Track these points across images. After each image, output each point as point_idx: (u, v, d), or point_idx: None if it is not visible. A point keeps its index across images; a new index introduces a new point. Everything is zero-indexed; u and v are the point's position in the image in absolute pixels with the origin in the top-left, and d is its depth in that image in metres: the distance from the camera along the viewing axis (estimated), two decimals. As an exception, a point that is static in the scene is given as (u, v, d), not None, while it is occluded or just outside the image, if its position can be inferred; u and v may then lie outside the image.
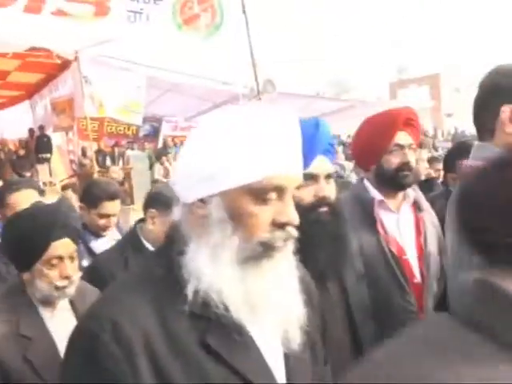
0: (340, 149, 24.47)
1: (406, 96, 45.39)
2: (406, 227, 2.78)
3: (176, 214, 1.33)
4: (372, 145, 2.68)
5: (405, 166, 2.71)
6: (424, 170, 7.16)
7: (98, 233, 3.83)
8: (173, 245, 1.29)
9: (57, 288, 2.21)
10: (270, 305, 1.23)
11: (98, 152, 18.09)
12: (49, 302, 2.28)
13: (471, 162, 2.13)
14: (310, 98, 23.90)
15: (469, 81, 41.36)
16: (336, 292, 2.32)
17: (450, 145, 18.38)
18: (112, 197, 3.78)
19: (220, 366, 1.18)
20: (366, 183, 2.77)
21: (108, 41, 11.97)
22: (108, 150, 19.71)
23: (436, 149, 22.98)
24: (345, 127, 28.07)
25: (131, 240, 3.27)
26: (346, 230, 2.21)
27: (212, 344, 1.19)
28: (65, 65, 13.95)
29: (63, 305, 2.32)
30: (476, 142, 2.15)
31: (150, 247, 3.14)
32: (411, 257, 2.72)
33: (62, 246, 2.23)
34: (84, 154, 17.27)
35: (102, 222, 3.80)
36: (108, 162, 18.57)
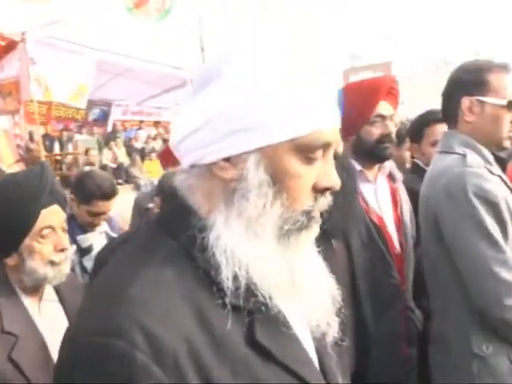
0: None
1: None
2: (384, 198, 2.75)
3: (178, 179, 1.05)
4: (352, 114, 2.46)
5: (386, 137, 2.65)
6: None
7: (85, 228, 3.45)
8: (183, 219, 1.00)
9: (52, 264, 1.91)
10: (311, 288, 1.03)
11: (46, 136, 17.73)
12: (36, 291, 1.97)
13: (440, 149, 2.34)
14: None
15: (419, 70, 42.12)
16: (343, 254, 2.23)
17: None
18: (106, 196, 3.36)
19: (272, 366, 0.96)
20: None
21: (56, 22, 11.76)
22: (56, 134, 19.35)
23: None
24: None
25: None
26: (356, 187, 2.12)
27: (262, 341, 0.96)
28: (11, 46, 13.61)
29: (49, 295, 2.02)
30: (444, 131, 2.37)
31: None
32: (390, 228, 2.70)
33: (53, 214, 1.95)
34: (31, 138, 16.91)
35: (91, 219, 3.43)
36: (56, 146, 18.24)
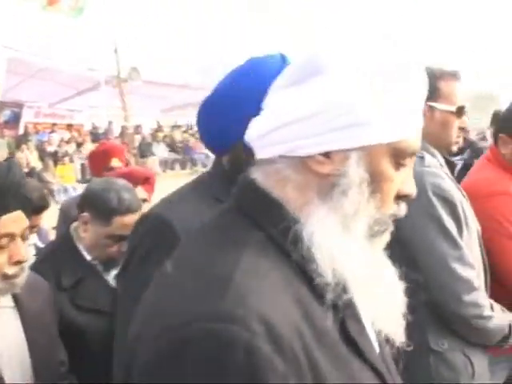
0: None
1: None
2: None
3: (257, 171, 1.02)
4: None
5: None
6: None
7: None
8: (271, 211, 0.97)
9: (5, 277, 1.65)
10: (388, 291, 1.02)
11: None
12: None
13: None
14: (177, 87, 24.07)
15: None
16: None
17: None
18: (37, 210, 2.88)
19: (362, 364, 0.95)
20: None
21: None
22: (-36, 136, 18.74)
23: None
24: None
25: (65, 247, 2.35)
26: None
27: (356, 339, 0.95)
28: None
29: (4, 301, 1.74)
30: None
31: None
32: None
33: (15, 221, 1.66)
34: None
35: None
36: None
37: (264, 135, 0.99)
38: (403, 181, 0.99)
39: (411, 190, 1.02)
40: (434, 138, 2.21)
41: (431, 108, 2.19)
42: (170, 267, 0.94)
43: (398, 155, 0.96)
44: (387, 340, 1.04)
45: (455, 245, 2.03)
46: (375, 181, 0.95)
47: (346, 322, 0.93)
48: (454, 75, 2.24)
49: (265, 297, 0.82)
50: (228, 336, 0.76)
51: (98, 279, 2.18)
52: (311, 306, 0.89)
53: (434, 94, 2.16)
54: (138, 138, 21.68)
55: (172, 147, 22.88)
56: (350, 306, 0.95)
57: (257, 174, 1.00)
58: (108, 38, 13.74)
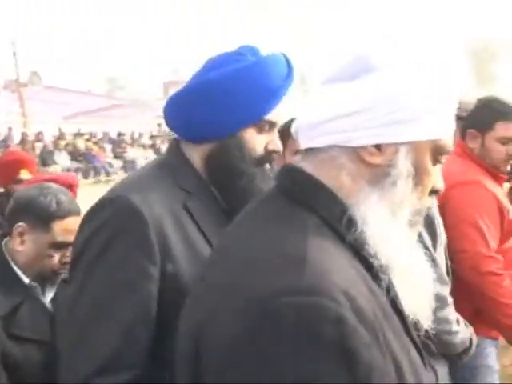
0: (109, 147, 24.45)
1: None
2: None
3: (307, 159, 1.06)
4: None
5: None
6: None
7: None
8: (323, 196, 1.02)
9: None
10: (421, 280, 1.07)
11: None
12: None
13: None
14: (79, 93, 23.49)
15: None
16: None
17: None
18: None
19: (408, 339, 1.03)
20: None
21: None
22: None
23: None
24: (116, 125, 28.01)
25: None
26: None
27: (404, 315, 1.04)
28: None
29: None
30: None
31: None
32: None
33: None
34: None
35: None
36: None
37: (316, 125, 1.04)
38: (436, 176, 1.07)
39: (442, 185, 1.09)
40: None
41: None
42: (231, 245, 1.00)
43: (438, 152, 1.03)
44: (414, 324, 1.10)
45: (432, 263, 2.02)
46: (418, 174, 1.02)
47: (395, 301, 1.00)
48: None
49: (340, 272, 0.87)
50: (317, 307, 0.79)
51: (35, 304, 1.92)
52: (372, 284, 0.94)
53: None
54: (39, 146, 21.00)
55: (74, 156, 22.16)
56: (393, 288, 1.01)
57: (305, 163, 1.05)
58: (6, 40, 13.15)
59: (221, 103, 1.37)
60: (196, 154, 1.43)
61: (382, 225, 0.99)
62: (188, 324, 0.95)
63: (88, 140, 24.54)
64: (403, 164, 1.01)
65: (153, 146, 26.86)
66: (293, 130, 1.09)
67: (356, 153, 1.01)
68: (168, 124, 1.48)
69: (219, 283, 0.93)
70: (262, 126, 1.42)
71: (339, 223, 0.97)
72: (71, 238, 1.70)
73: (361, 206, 1.00)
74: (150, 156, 24.19)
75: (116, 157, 23.06)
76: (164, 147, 26.15)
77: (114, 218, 1.29)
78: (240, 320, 0.83)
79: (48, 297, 1.97)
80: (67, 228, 1.90)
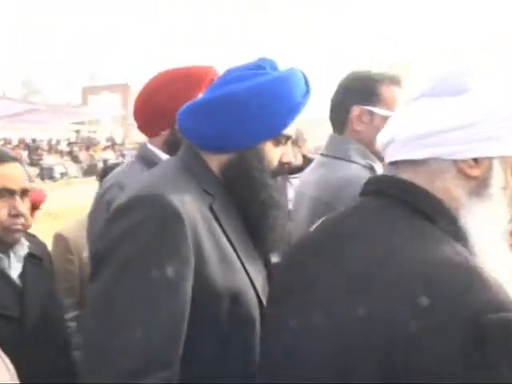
0: (25, 154, 23.65)
1: (98, 103, 45.59)
2: None
3: (408, 172, 1.11)
4: (168, 106, 2.20)
5: None
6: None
7: None
8: (439, 208, 1.07)
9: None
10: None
11: None
12: None
13: (331, 153, 2.24)
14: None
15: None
16: None
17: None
18: None
19: None
20: (152, 148, 2.35)
21: None
22: None
23: (123, 156, 23.71)
24: (31, 130, 27.15)
25: None
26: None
27: None
28: None
29: None
30: (331, 134, 2.34)
31: None
32: None
33: None
34: None
35: None
36: None
37: (417, 138, 1.09)
38: None
39: None
40: (370, 143, 2.14)
41: (370, 112, 2.16)
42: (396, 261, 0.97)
43: None
44: None
45: None
46: (506, 187, 1.08)
47: None
48: (394, 80, 2.20)
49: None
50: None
51: (1, 277, 1.82)
52: None
53: (373, 98, 2.16)
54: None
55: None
56: None
57: (408, 175, 1.10)
58: None
59: (246, 116, 1.39)
60: (212, 162, 1.45)
61: (486, 237, 1.04)
62: (369, 339, 0.91)
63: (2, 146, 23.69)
64: (497, 177, 1.06)
65: (70, 153, 26.22)
66: (379, 143, 1.17)
67: (456, 165, 1.07)
68: (183, 133, 1.48)
69: (408, 299, 0.90)
70: (280, 139, 1.47)
71: (457, 235, 1.03)
72: (14, 185, 1.73)
73: (467, 217, 1.06)
74: (67, 163, 23.64)
75: (32, 164, 22.28)
76: (82, 154, 25.65)
77: (152, 216, 1.25)
78: (446, 338, 0.85)
79: (14, 270, 1.87)
80: (5, 173, 1.81)
